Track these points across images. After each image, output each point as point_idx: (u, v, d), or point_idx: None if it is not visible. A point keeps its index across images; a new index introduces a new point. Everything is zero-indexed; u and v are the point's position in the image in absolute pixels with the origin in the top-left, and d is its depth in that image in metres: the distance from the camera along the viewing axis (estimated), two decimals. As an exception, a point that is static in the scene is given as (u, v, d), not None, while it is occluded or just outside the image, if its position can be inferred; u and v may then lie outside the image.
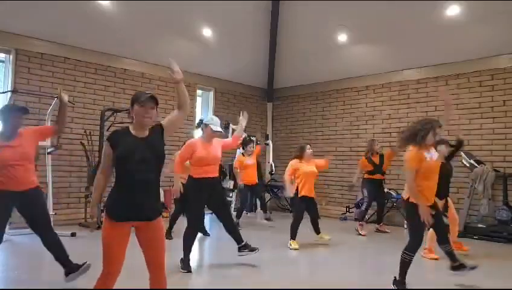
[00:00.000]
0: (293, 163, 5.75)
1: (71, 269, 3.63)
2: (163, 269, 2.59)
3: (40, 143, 5.64)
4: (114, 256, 2.43)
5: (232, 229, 4.64)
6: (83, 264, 3.63)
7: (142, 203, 2.47)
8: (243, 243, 4.63)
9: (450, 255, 3.94)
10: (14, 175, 3.42)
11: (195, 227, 4.47)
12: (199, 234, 6.14)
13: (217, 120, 4.49)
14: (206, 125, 4.42)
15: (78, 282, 3.75)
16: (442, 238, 3.91)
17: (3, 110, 3.63)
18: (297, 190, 5.65)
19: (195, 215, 4.43)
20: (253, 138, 8.98)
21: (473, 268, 3.93)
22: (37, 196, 3.60)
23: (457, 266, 3.94)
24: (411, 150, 3.65)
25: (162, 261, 2.58)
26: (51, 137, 3.61)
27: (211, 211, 4.76)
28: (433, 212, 3.64)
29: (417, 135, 3.63)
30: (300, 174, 5.66)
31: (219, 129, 4.43)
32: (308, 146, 5.88)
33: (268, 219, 7.64)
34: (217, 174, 4.53)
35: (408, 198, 3.68)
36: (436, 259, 4.93)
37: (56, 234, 3.70)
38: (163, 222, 2.63)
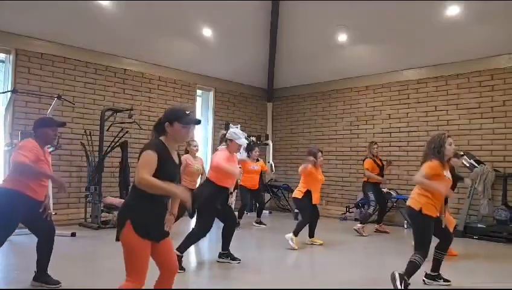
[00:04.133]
0: (310, 168, 5.68)
1: (43, 277, 3.62)
2: (175, 273, 2.61)
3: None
4: (145, 266, 2.40)
5: (229, 235, 4.71)
6: (56, 283, 3.60)
7: (163, 224, 2.54)
8: (227, 252, 4.73)
9: (438, 263, 3.99)
10: (43, 186, 3.53)
11: (205, 232, 4.47)
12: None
13: (240, 132, 4.59)
14: (231, 140, 4.51)
15: (79, 282, 3.75)
16: (444, 246, 3.95)
17: (44, 122, 3.65)
18: (306, 193, 5.68)
19: (210, 220, 4.46)
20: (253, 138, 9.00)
21: (446, 282, 3.96)
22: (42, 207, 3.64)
23: (434, 275, 4.00)
24: (432, 162, 3.71)
25: (175, 266, 2.61)
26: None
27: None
28: (443, 225, 3.84)
29: (434, 153, 3.71)
30: (314, 181, 5.69)
31: (244, 142, 4.56)
32: (320, 153, 5.84)
33: (258, 223, 7.62)
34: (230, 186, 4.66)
35: (421, 209, 3.68)
36: None
37: (52, 245, 3.68)
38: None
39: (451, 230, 5.19)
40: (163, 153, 2.44)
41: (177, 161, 2.57)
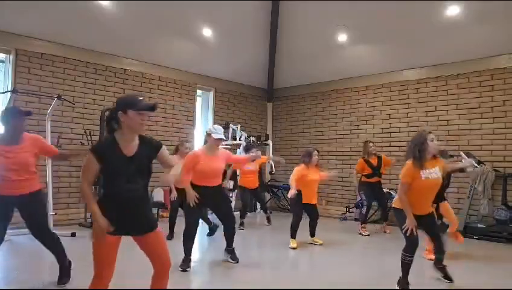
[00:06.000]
0: (300, 169, 5.69)
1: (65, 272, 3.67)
2: (168, 268, 2.58)
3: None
4: (105, 261, 2.41)
5: (228, 235, 4.70)
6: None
7: (132, 220, 2.46)
8: (231, 248, 4.72)
9: (439, 260, 4.02)
10: (12, 180, 3.41)
11: (192, 230, 4.48)
12: (200, 234, 6.18)
13: (218, 128, 4.52)
14: (209, 135, 4.47)
15: (79, 282, 3.75)
16: (437, 248, 3.96)
17: (6, 112, 3.55)
18: (299, 193, 5.64)
19: (192, 219, 4.47)
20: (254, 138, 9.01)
21: (448, 280, 3.99)
22: (34, 200, 3.56)
23: (440, 267, 4.02)
24: (407, 164, 3.67)
25: (166, 261, 2.57)
26: (48, 156, 3.60)
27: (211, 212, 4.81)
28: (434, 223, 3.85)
29: (414, 151, 3.63)
30: (306, 181, 5.66)
31: (220, 136, 4.46)
32: (316, 152, 5.82)
33: (268, 219, 7.69)
34: (218, 183, 4.57)
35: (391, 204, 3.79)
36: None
37: (53, 233, 3.70)
38: (160, 232, 2.58)
39: (453, 229, 5.19)
40: (107, 151, 2.39)
41: (130, 152, 2.42)
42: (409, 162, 3.65)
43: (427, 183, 3.62)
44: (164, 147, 2.62)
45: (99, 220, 2.35)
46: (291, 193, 5.49)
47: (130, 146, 2.44)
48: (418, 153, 3.59)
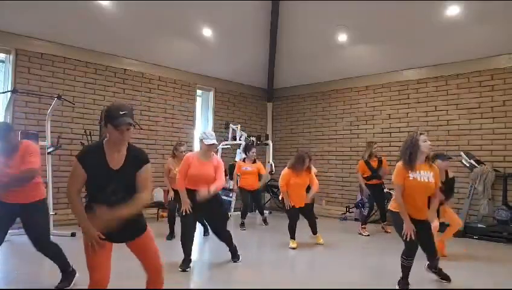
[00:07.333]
0: (286, 174, 5.71)
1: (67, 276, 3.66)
2: (161, 271, 2.57)
3: (41, 143, 5.66)
4: (98, 267, 2.36)
5: (222, 240, 4.69)
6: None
7: (117, 229, 2.34)
8: (233, 248, 4.74)
9: (433, 268, 4.02)
10: (16, 189, 3.42)
11: (188, 232, 4.46)
12: (199, 235, 6.18)
13: (210, 133, 4.48)
14: (201, 140, 4.46)
15: (79, 282, 3.75)
16: (430, 261, 3.92)
17: (10, 126, 3.57)
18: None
19: (187, 221, 4.44)
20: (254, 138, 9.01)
21: (445, 279, 3.98)
22: (35, 210, 3.52)
23: (435, 271, 4.01)
24: (397, 166, 3.70)
25: (158, 265, 2.55)
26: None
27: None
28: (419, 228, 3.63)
29: (405, 154, 3.64)
30: (291, 184, 5.68)
31: (211, 142, 4.40)
32: (308, 160, 5.72)
33: (264, 221, 7.69)
34: None
35: (393, 208, 3.78)
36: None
37: (55, 245, 3.64)
38: (150, 232, 2.56)
39: (454, 230, 5.18)
40: (92, 159, 2.32)
41: (116, 165, 2.35)
42: (399, 163, 3.69)
43: (414, 184, 3.60)
44: (148, 166, 2.46)
45: (89, 231, 2.29)
46: (286, 204, 5.69)
47: (117, 157, 2.37)
48: (410, 155, 3.61)
